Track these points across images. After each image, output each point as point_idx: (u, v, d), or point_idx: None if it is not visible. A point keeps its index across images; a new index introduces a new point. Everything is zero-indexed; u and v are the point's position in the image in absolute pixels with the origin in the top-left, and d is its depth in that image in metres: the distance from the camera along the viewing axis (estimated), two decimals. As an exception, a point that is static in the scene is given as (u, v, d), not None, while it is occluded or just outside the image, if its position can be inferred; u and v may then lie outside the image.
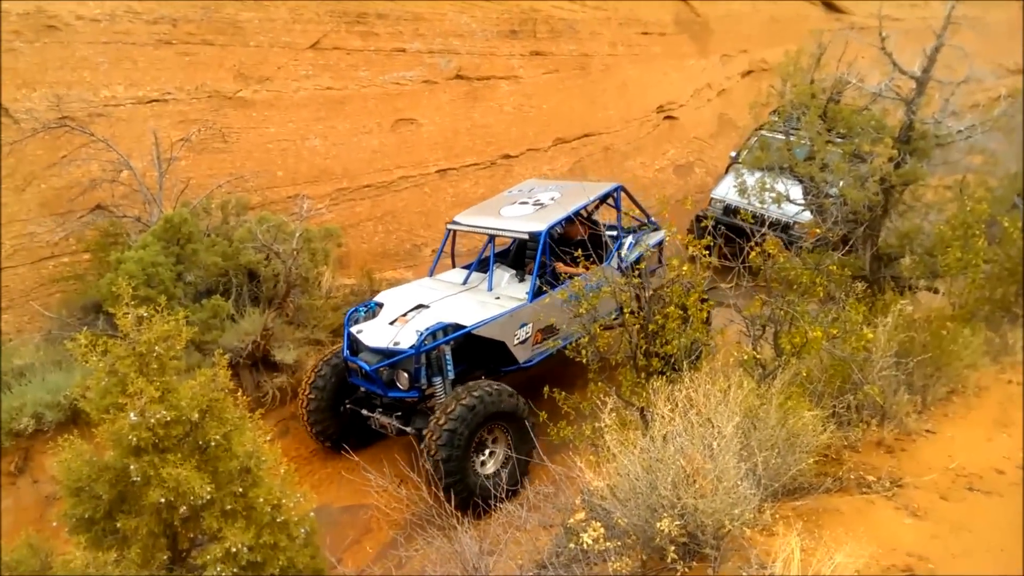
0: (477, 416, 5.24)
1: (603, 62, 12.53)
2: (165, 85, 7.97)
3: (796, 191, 6.72)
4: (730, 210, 9.09)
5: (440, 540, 4.10)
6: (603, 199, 7.58)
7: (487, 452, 5.59)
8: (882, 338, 4.29)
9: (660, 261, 7.35)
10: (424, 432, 5.28)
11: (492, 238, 7.02)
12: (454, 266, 7.29)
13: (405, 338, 5.70)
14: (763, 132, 9.22)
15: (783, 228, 8.11)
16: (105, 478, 2.65)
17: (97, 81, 7.54)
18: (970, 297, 5.35)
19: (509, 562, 3.62)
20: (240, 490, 2.79)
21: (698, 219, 9.28)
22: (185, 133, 7.84)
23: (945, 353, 4.53)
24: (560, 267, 6.89)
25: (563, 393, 4.79)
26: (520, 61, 11.35)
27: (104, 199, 7.30)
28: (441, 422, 5.15)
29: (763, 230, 5.19)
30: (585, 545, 2.88)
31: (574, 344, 4.92)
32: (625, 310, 4.80)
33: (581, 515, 3.16)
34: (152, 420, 2.58)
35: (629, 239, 7.34)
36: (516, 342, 6.14)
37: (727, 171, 10.25)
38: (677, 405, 3.34)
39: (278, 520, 2.85)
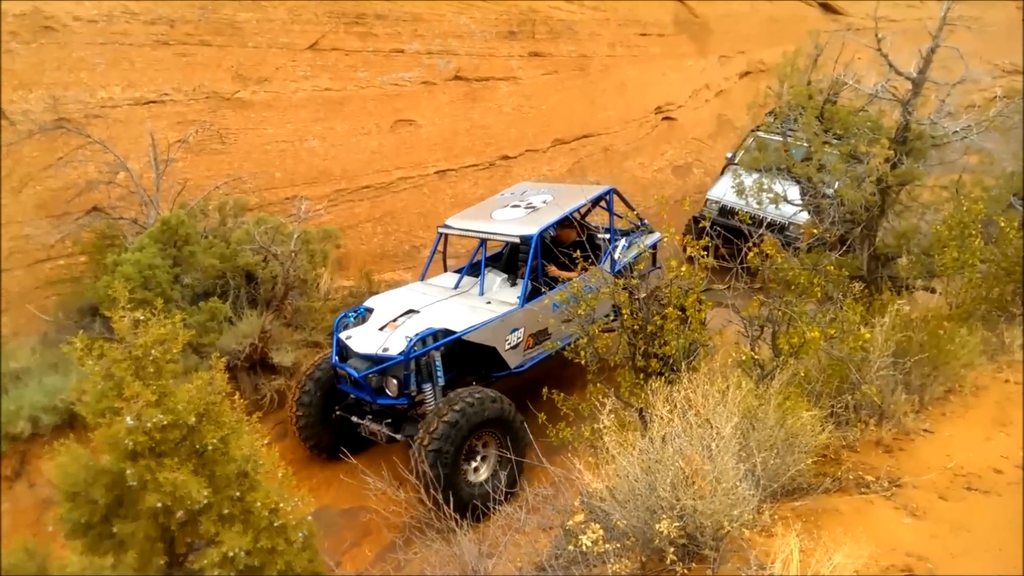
0: (461, 431, 5.12)
1: (602, 63, 12.55)
2: (162, 86, 7.96)
3: (793, 191, 6.73)
4: (726, 211, 9.10)
5: (439, 543, 4.09)
6: (596, 202, 7.53)
7: (479, 457, 5.52)
8: (880, 338, 4.30)
9: (655, 263, 7.31)
10: (413, 444, 5.18)
11: (484, 242, 6.95)
12: (446, 270, 7.22)
13: (394, 344, 5.61)
14: (759, 133, 9.23)
15: (779, 229, 8.13)
16: (101, 482, 2.64)
17: (94, 82, 7.52)
18: (967, 297, 5.36)
19: (508, 564, 3.62)
20: (238, 494, 2.78)
21: (695, 220, 9.28)
22: (182, 134, 7.83)
23: (942, 353, 4.54)
24: (552, 270, 6.83)
25: (562, 394, 4.79)
26: (519, 62, 11.35)
27: (101, 201, 7.28)
28: (426, 443, 5.04)
29: (760, 231, 5.20)
30: (584, 547, 2.87)
31: (573, 345, 4.91)
32: (624, 311, 4.79)
33: (580, 517, 3.15)
34: (148, 424, 2.57)
35: (622, 242, 7.30)
36: (507, 347, 6.08)
37: (723, 172, 10.27)
38: (676, 406, 3.34)
39: (276, 524, 2.84)
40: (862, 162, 5.97)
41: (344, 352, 5.95)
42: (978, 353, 4.83)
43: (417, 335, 5.62)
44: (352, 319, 6.22)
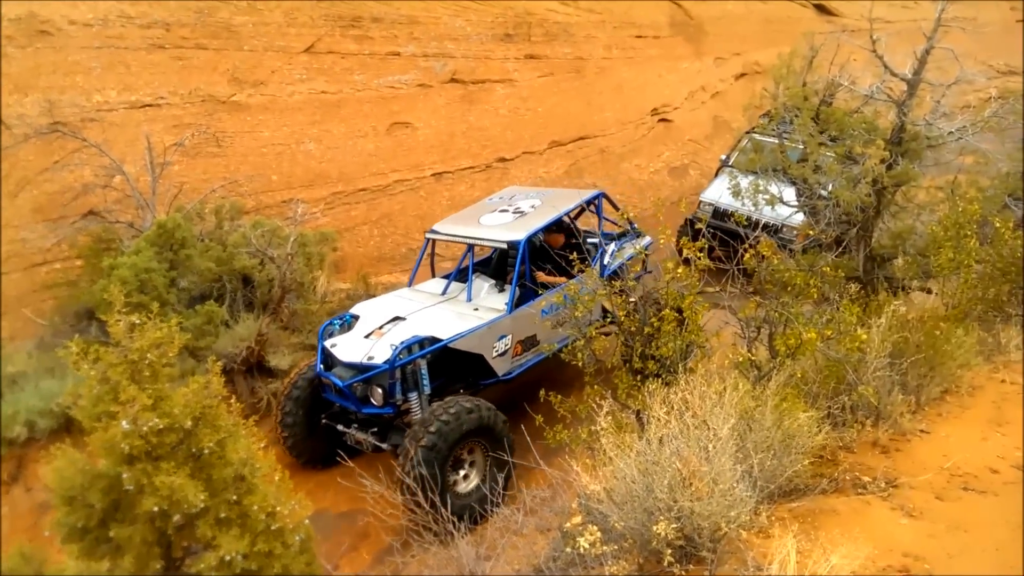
0: (440, 452, 5.00)
1: (598, 65, 12.58)
2: (158, 89, 7.95)
3: (788, 193, 6.74)
4: (719, 213, 9.10)
5: (436, 546, 4.09)
6: (585, 206, 7.42)
7: (468, 463, 5.44)
8: (876, 339, 4.31)
9: (645, 268, 7.26)
10: (399, 456, 5.09)
11: (471, 247, 6.87)
12: (434, 275, 7.10)
13: (379, 352, 5.51)
14: (754, 135, 9.25)
15: (773, 231, 8.14)
16: (98, 487, 2.63)
17: (90, 86, 7.52)
18: (963, 297, 5.37)
19: (506, 567, 3.62)
20: (234, 498, 2.77)
21: (688, 223, 9.25)
22: (179, 138, 7.82)
23: (939, 353, 4.55)
24: (541, 276, 6.75)
25: (559, 396, 4.79)
26: (515, 64, 11.37)
27: (97, 204, 7.27)
28: (407, 469, 4.91)
29: (755, 233, 5.21)
30: (582, 549, 2.87)
31: (570, 347, 4.91)
32: (619, 313, 4.79)
33: (578, 519, 3.15)
34: (145, 428, 2.57)
35: (612, 246, 7.22)
36: (495, 354, 6.00)
37: (716, 174, 10.29)
38: (673, 408, 3.34)
39: (273, 527, 2.83)
40: (858, 163, 5.99)
41: (329, 360, 5.84)
42: (974, 353, 4.85)
43: (403, 343, 5.51)
44: (337, 326, 6.10)
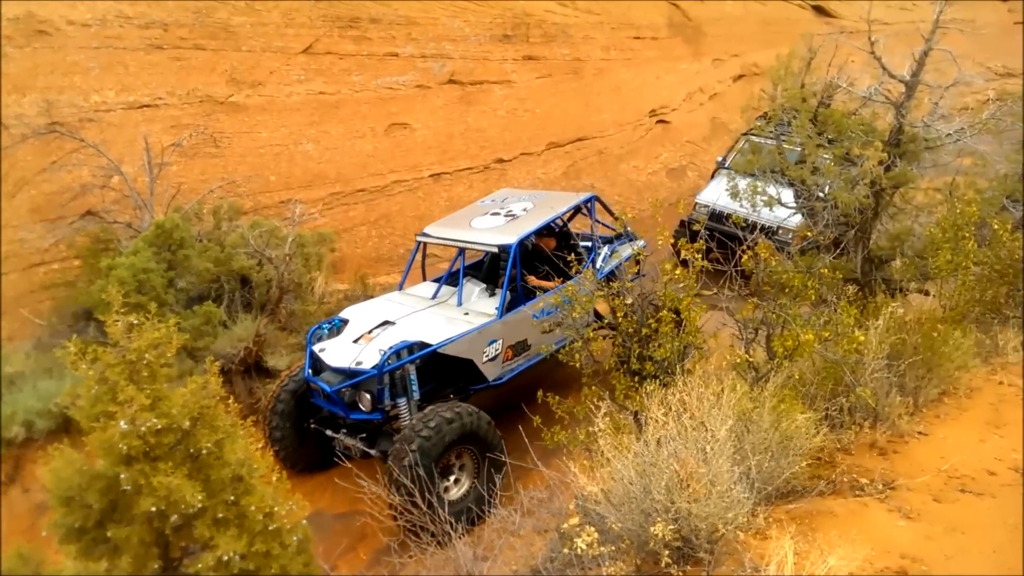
0: (426, 467, 4.89)
1: (596, 66, 12.59)
2: (156, 90, 7.95)
3: (786, 195, 6.75)
4: (715, 215, 9.09)
5: (434, 546, 4.09)
6: (577, 209, 7.37)
7: (458, 467, 5.40)
8: (874, 340, 4.31)
9: (640, 271, 7.24)
10: (387, 461, 5.02)
11: (462, 251, 6.78)
12: (425, 279, 7.05)
13: (368, 357, 5.44)
14: (751, 136, 9.25)
15: (769, 233, 8.15)
16: (96, 487, 2.63)
17: (88, 86, 7.51)
18: (960, 299, 5.38)
19: (503, 567, 3.62)
20: (232, 498, 2.77)
21: (683, 224, 9.23)
22: (177, 138, 7.82)
23: (936, 355, 4.56)
24: (532, 280, 6.70)
25: (557, 397, 4.79)
26: (513, 65, 11.38)
27: (95, 205, 7.27)
28: (392, 491, 4.79)
29: (752, 235, 5.21)
30: (579, 550, 2.87)
31: (568, 348, 4.91)
32: (618, 313, 4.80)
33: (575, 520, 3.15)
34: (143, 428, 2.57)
35: (605, 249, 7.16)
36: (485, 360, 5.93)
37: (712, 176, 10.29)
38: (671, 409, 3.35)
39: (271, 528, 2.83)
40: (856, 165, 6.00)
41: (317, 365, 5.78)
42: (972, 355, 4.85)
43: (391, 348, 5.45)
44: (326, 331, 6.03)
